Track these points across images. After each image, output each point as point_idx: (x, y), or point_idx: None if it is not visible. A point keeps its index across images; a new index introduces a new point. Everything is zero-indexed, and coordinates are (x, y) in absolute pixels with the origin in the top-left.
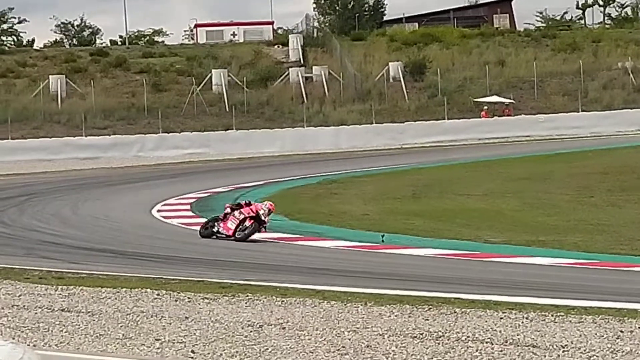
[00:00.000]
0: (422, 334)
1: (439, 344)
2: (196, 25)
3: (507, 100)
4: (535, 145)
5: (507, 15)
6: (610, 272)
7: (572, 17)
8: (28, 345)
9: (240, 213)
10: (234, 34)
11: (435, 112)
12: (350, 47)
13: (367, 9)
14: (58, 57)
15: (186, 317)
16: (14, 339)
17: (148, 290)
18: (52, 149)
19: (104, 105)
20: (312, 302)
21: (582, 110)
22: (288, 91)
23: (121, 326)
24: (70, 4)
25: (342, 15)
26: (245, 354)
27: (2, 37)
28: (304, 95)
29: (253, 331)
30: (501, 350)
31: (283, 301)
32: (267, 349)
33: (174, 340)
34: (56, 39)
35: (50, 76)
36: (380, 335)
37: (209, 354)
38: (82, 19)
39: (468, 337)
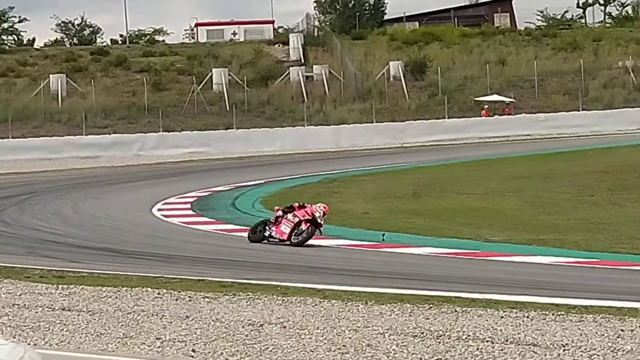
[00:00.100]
0: (422, 333)
1: (439, 342)
2: (197, 25)
3: (507, 99)
4: (535, 144)
5: (508, 14)
6: (611, 270)
7: (572, 16)
8: (29, 344)
9: (295, 216)
10: (234, 33)
11: (435, 111)
12: (351, 46)
13: (367, 8)
14: (58, 56)
15: (187, 316)
16: (14, 338)
17: (149, 289)
18: (53, 148)
19: (105, 104)
20: (313, 301)
21: (583, 109)
22: (288, 90)
23: (122, 325)
24: (71, 3)
25: (343, 14)
26: (246, 353)
27: (2, 36)
28: (305, 95)
29: (254, 330)
30: (502, 349)
31: (284, 300)
32: (268, 347)
33: (175, 339)
34: (57, 38)
35: (50, 75)
36: (380, 334)
37: (209, 352)
38: (82, 18)
39: (469, 336)
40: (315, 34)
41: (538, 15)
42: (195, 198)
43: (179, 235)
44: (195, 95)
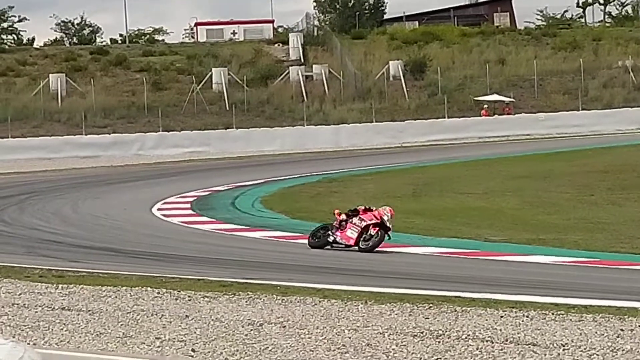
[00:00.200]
0: (422, 333)
1: (439, 342)
2: (196, 24)
3: (507, 99)
4: (535, 143)
5: (508, 13)
6: (611, 270)
7: (572, 15)
8: (28, 343)
9: (361, 220)
10: (234, 33)
11: (435, 110)
12: (351, 45)
13: (367, 8)
14: (58, 56)
15: (186, 316)
16: (14, 337)
17: (148, 288)
18: (53, 147)
19: (104, 103)
20: (313, 301)
21: (583, 109)
22: (288, 90)
23: (121, 325)
24: (71, 3)
25: (343, 13)
26: (246, 353)
27: (2, 36)
28: (304, 94)
29: (253, 330)
30: (501, 349)
31: (283, 300)
32: (268, 347)
33: (174, 338)
34: (56, 38)
35: (50, 75)
36: (380, 333)
37: (209, 352)
38: (82, 18)
39: (468, 335)
40: (315, 33)
41: (538, 14)
42: (195, 198)
43: (178, 234)
44: (194, 95)
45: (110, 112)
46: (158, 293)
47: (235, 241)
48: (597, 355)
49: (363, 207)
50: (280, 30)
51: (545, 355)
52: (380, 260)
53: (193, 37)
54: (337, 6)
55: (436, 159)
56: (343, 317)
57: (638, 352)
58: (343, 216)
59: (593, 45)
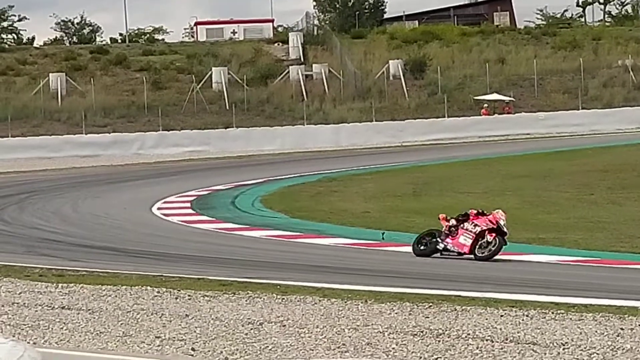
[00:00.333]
0: (422, 332)
1: (439, 341)
2: (196, 23)
3: (507, 98)
4: (535, 143)
5: (508, 12)
6: (611, 269)
7: (572, 14)
8: (28, 343)
9: (475, 225)
10: (234, 32)
11: (435, 109)
12: (351, 45)
13: (367, 7)
14: (58, 55)
15: (186, 315)
16: (14, 336)
17: (148, 287)
18: (52, 146)
19: (104, 103)
20: (313, 300)
21: (582, 108)
22: (288, 89)
23: (121, 324)
24: (71, 2)
25: (343, 13)
26: (246, 352)
27: (2, 35)
28: (304, 93)
29: (253, 329)
30: (501, 348)
31: (283, 299)
32: (268, 346)
33: (174, 337)
34: (56, 37)
35: (50, 74)
36: (380, 332)
37: (209, 351)
38: (82, 17)
39: (468, 334)
40: (315, 32)
41: (538, 14)
42: (195, 197)
43: (178, 234)
44: (194, 94)
45: (110, 112)
46: (158, 292)
47: (235, 240)
48: (597, 354)
49: (475, 211)
50: (280, 29)
51: (545, 354)
52: (380, 260)
53: (193, 37)
54: (337, 5)
55: (436, 158)
56: (343, 316)
57: (638, 351)
58: (452, 221)
59: (593, 44)
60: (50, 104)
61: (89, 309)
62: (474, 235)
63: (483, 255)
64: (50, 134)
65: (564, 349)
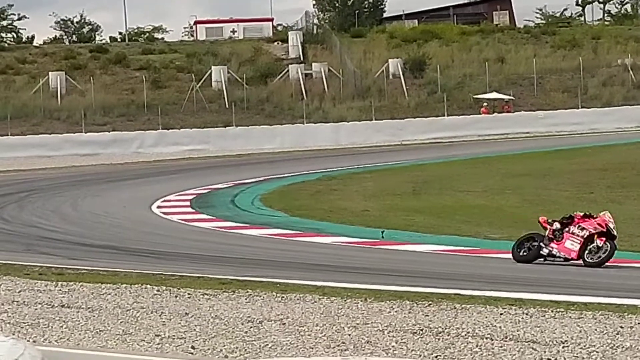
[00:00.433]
0: (422, 330)
1: (438, 339)
2: (196, 22)
3: (506, 97)
4: (534, 141)
5: (507, 12)
6: (610, 268)
7: (571, 14)
8: (28, 341)
9: (582, 228)
10: (233, 31)
11: (434, 108)
12: (350, 43)
13: (366, 6)
14: (58, 54)
15: (186, 313)
16: (14, 335)
17: (148, 286)
18: (52, 145)
19: (104, 101)
20: (312, 298)
21: (582, 107)
22: (288, 88)
23: (121, 322)
24: (70, 1)
25: (342, 12)
26: (246, 350)
27: (1, 34)
28: (304, 92)
29: (253, 327)
30: (501, 346)
31: (283, 297)
32: (267, 344)
33: (174, 336)
34: (56, 36)
35: (49, 73)
36: (380, 331)
37: (209, 349)
38: (81, 16)
39: (468, 332)
40: (315, 31)
41: (537, 13)
42: (195, 195)
43: (178, 232)
44: (194, 93)
45: (109, 110)
46: (158, 290)
47: (234, 239)
48: (597, 352)
49: (581, 214)
50: (279, 28)
51: (544, 352)
52: (380, 258)
53: (192, 36)
54: (337, 4)
55: (436, 157)
56: (343, 315)
57: (638, 349)
58: (556, 224)
59: (592, 43)
60: (49, 103)
61: (89, 308)
62: (582, 240)
63: (593, 261)
64: (50, 132)
65: (563, 347)
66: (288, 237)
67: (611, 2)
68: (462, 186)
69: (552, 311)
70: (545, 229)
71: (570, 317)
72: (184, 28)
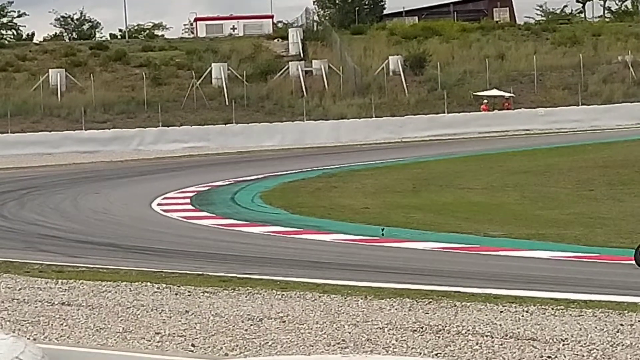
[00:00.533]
0: (422, 328)
1: (439, 337)
2: (196, 19)
3: (507, 94)
4: (535, 139)
5: (507, 8)
6: (611, 265)
7: (572, 10)
8: (28, 339)
9: None
10: (233, 28)
11: (435, 105)
12: (350, 40)
13: (367, 3)
14: (58, 51)
15: (186, 311)
16: (14, 332)
17: (148, 283)
18: (52, 142)
19: (104, 99)
20: (312, 296)
21: (582, 104)
22: (288, 85)
23: (121, 320)
24: None
25: (342, 9)
26: (246, 348)
27: (1, 31)
28: (304, 89)
29: (253, 325)
30: (501, 344)
31: (283, 295)
32: (267, 342)
33: (174, 333)
34: (56, 33)
35: (49, 70)
36: (380, 328)
37: (209, 347)
38: (81, 13)
39: (468, 330)
40: (315, 28)
41: (537, 9)
42: (195, 193)
43: (178, 230)
44: (194, 90)
45: (109, 108)
46: (158, 288)
47: (234, 236)
48: (597, 350)
49: None
50: (279, 25)
51: (545, 350)
52: (380, 256)
53: (192, 33)
54: (337, 1)
55: (436, 154)
56: (343, 312)
57: (638, 347)
58: None
59: (593, 40)
60: (49, 100)
61: (89, 305)
62: None
63: None
64: (50, 130)
65: (563, 345)
66: (288, 234)
67: None
68: (463, 183)
69: (552, 309)
70: None
71: (570, 314)
72: (184, 25)
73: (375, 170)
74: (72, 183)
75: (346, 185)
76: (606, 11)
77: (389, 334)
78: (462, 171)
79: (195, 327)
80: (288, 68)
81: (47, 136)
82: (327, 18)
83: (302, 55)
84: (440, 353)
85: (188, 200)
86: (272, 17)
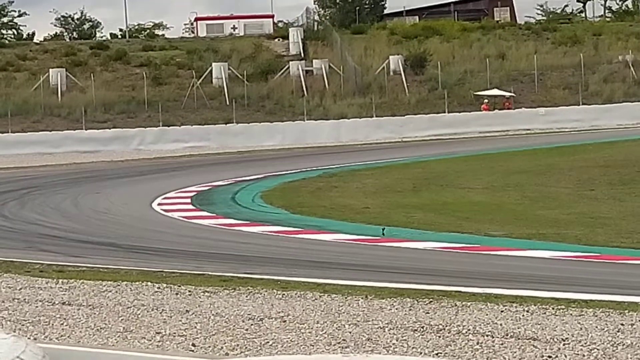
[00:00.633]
0: (422, 327)
1: (439, 337)
2: (196, 19)
3: (507, 94)
4: (535, 138)
5: (508, 8)
6: (611, 265)
7: (572, 10)
8: (29, 338)
9: None
10: (234, 28)
11: (435, 105)
12: (351, 40)
13: (367, 3)
14: (58, 51)
15: (187, 311)
16: (14, 332)
17: (148, 283)
18: (53, 142)
19: (104, 98)
20: (313, 296)
21: (583, 104)
22: (288, 84)
23: (122, 319)
24: None
25: (343, 8)
26: (246, 347)
27: (2, 31)
28: (304, 89)
29: (254, 324)
30: (502, 343)
31: (284, 294)
32: (268, 342)
33: (175, 333)
34: (56, 33)
35: (50, 69)
36: (380, 328)
37: (209, 347)
38: (82, 12)
39: (469, 330)
40: (315, 28)
41: (538, 9)
42: (195, 192)
43: (178, 229)
44: (195, 90)
45: (110, 107)
46: (158, 288)
47: (235, 236)
48: (598, 349)
49: None
50: (280, 25)
51: (545, 349)
52: (381, 255)
53: (193, 32)
54: (337, 1)
55: (436, 153)
56: (343, 312)
57: (639, 346)
58: None
59: (593, 40)
60: (50, 100)
61: (90, 305)
62: None
63: None
64: (50, 129)
65: (564, 345)
66: (289, 234)
67: None
68: (463, 183)
69: (552, 308)
70: None
71: (571, 314)
72: (185, 25)
73: (375, 169)
74: (72, 183)
75: (347, 184)
76: (607, 11)
77: (390, 333)
78: (463, 171)
79: (195, 327)
80: (288, 68)
81: (47, 136)
82: (327, 18)
83: (302, 54)
84: (441, 353)
85: (189, 200)
86: (272, 16)
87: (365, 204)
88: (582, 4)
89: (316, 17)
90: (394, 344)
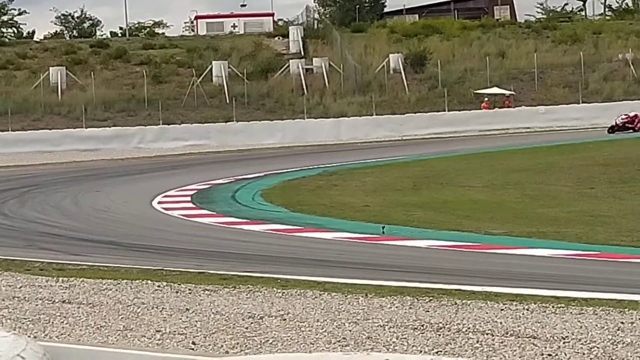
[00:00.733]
0: (422, 326)
1: (439, 335)
2: (196, 17)
3: (507, 92)
4: (535, 136)
5: (508, 6)
6: (611, 263)
7: (572, 8)
8: (29, 337)
9: None
10: (234, 26)
11: (435, 103)
12: (351, 38)
13: (367, 1)
14: (58, 49)
15: (187, 309)
16: (14, 330)
17: (149, 281)
18: (53, 140)
19: (104, 97)
20: (313, 294)
21: (583, 102)
22: (288, 83)
23: (122, 318)
24: None
25: (343, 6)
26: (246, 345)
27: (2, 29)
28: (304, 87)
29: (254, 323)
30: (502, 342)
31: (284, 293)
32: (268, 340)
33: (175, 331)
34: (56, 31)
35: (50, 68)
36: (381, 326)
37: (209, 345)
38: (82, 11)
39: (469, 328)
40: (315, 26)
41: (538, 7)
42: (195, 191)
43: (179, 227)
44: (195, 88)
45: (110, 106)
46: (158, 286)
47: (235, 234)
48: (598, 348)
49: None
50: (280, 23)
51: (545, 348)
52: (381, 253)
53: (193, 30)
54: None
55: (436, 152)
56: (343, 310)
57: (638, 345)
58: None
59: (593, 38)
60: (50, 98)
61: (90, 303)
62: None
63: None
64: (51, 128)
65: (564, 343)
66: (289, 232)
67: None
68: (463, 181)
69: (552, 307)
70: None
71: (571, 312)
72: (185, 23)
73: (375, 168)
74: (72, 181)
75: (347, 183)
76: (607, 9)
77: (390, 331)
78: (463, 169)
79: (195, 325)
80: (289, 66)
81: (47, 134)
82: (327, 16)
83: (302, 53)
84: (441, 351)
85: (189, 198)
86: (272, 15)
87: (365, 202)
88: (582, 3)
89: (316, 16)
90: (394, 342)
